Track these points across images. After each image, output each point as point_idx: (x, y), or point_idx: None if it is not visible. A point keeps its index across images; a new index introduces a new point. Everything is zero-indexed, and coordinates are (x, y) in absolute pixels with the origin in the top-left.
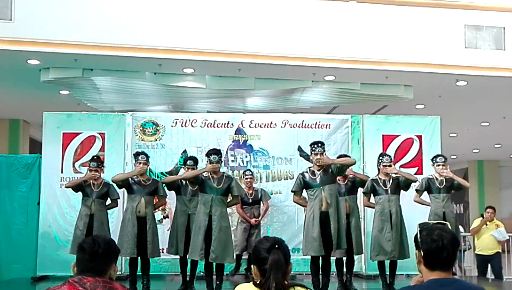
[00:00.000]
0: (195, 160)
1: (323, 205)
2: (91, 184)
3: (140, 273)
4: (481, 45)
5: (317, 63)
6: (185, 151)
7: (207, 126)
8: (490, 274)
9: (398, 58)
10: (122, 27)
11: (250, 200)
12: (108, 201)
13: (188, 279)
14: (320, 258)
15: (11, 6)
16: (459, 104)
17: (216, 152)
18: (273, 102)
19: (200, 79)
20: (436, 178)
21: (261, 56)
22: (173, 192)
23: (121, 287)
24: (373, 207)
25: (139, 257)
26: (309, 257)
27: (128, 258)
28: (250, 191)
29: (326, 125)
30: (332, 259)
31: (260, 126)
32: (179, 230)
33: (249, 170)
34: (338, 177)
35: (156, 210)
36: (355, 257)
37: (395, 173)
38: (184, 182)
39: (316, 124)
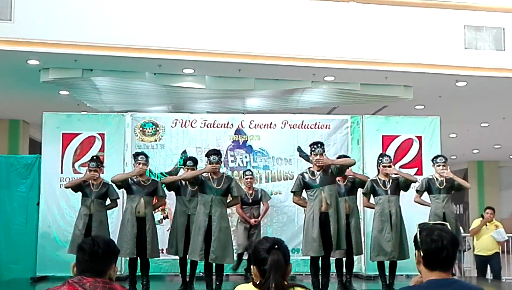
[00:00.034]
0: (194, 161)
1: (322, 206)
2: (90, 184)
3: (140, 274)
4: (481, 46)
5: (317, 64)
6: (184, 152)
7: (207, 127)
8: (489, 275)
9: (398, 58)
10: (122, 27)
11: (250, 200)
12: (108, 202)
13: (187, 279)
14: (320, 258)
15: (11, 6)
16: (459, 104)
17: (216, 152)
18: (273, 102)
19: (200, 79)
20: (437, 179)
21: (261, 56)
22: (172, 193)
23: (121, 287)
24: (373, 208)
25: (138, 258)
26: (309, 257)
27: (128, 258)
28: (250, 191)
29: (326, 126)
30: (332, 259)
31: (260, 127)
32: (179, 230)
33: (250, 170)
34: (337, 178)
35: (156, 210)
36: (355, 257)
37: (395, 174)
38: (183, 182)
39: (315, 124)
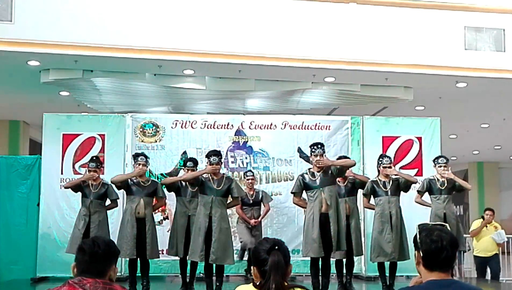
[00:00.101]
0: (195, 162)
1: (323, 207)
2: (90, 184)
3: (140, 274)
4: (481, 47)
5: (317, 65)
6: (185, 153)
7: (207, 128)
8: (489, 276)
9: (398, 59)
10: (122, 28)
11: (251, 201)
12: (108, 202)
13: (188, 280)
14: (320, 259)
15: (11, 7)
16: (459, 105)
17: (216, 153)
18: (273, 103)
19: (200, 80)
20: (438, 179)
21: (261, 57)
22: (173, 194)
23: (121, 288)
24: (373, 209)
25: (138, 258)
26: (309, 258)
27: (128, 259)
28: (251, 192)
29: (326, 127)
30: (332, 260)
31: (260, 128)
32: (179, 231)
33: (250, 171)
34: (338, 179)
35: (156, 211)
36: (355, 258)
37: (395, 175)
38: (184, 183)
39: (316, 125)
